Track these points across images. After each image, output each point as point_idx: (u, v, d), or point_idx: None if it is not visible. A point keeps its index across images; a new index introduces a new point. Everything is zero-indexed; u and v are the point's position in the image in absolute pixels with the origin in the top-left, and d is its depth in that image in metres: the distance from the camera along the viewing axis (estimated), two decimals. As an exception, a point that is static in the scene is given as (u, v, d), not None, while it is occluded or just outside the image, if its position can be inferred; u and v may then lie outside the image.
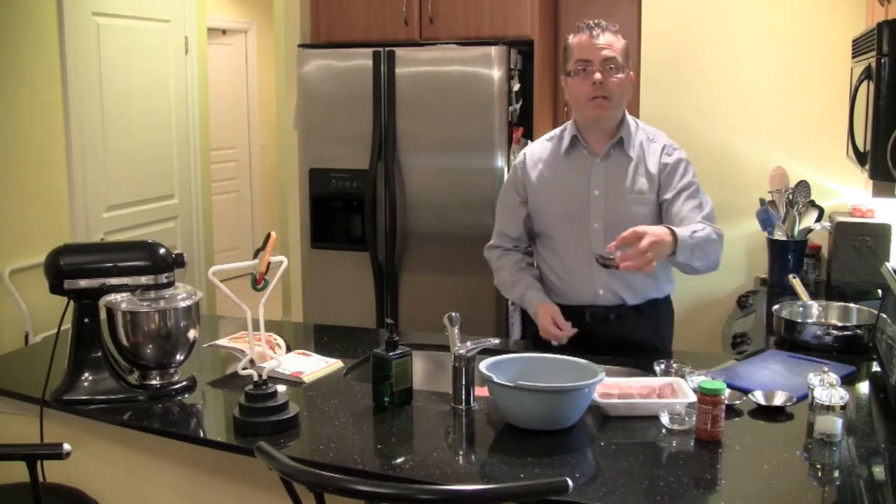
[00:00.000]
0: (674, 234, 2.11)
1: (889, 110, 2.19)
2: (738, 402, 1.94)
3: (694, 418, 1.79)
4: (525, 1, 3.54)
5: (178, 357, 2.16)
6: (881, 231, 3.12)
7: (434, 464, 1.71)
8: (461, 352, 1.96)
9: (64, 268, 2.06)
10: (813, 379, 1.84)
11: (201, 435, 1.96)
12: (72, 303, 2.10)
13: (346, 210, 3.71)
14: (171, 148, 4.73)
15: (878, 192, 2.52)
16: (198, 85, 4.93)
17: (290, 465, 1.40)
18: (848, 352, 2.33)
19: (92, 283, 2.07)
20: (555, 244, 2.46)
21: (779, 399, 1.94)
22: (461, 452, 1.82)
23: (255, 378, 1.90)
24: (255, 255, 1.95)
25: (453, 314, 2.02)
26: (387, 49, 3.56)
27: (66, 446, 1.76)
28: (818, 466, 1.69)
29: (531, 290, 2.45)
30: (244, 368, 1.94)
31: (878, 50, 2.20)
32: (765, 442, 1.78)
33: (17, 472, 1.78)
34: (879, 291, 2.75)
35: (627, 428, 1.85)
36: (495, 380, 1.82)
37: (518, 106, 3.55)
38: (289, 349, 2.40)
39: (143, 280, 2.10)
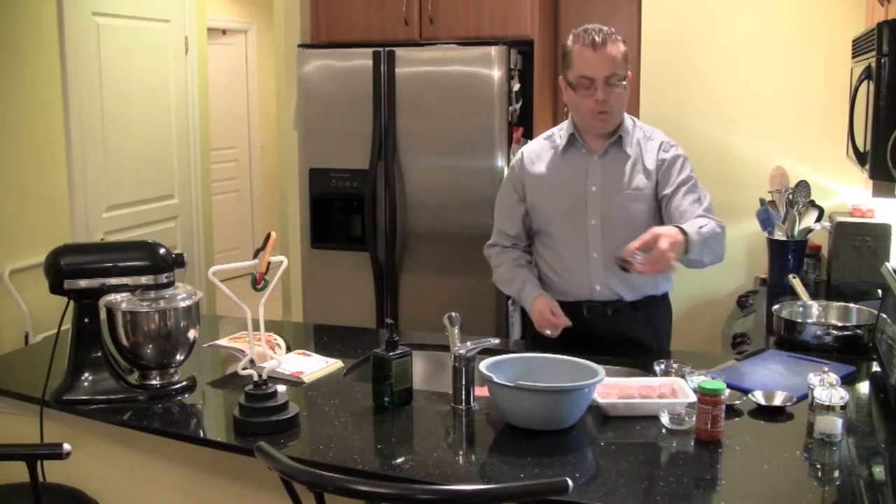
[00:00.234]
0: (684, 232, 2.11)
1: (889, 110, 2.19)
2: (738, 402, 1.94)
3: (694, 418, 1.79)
4: (525, 1, 3.54)
5: (178, 357, 2.16)
6: (881, 231, 3.12)
7: (434, 464, 1.71)
8: (461, 352, 1.96)
9: (64, 268, 2.06)
10: (813, 379, 1.84)
11: (201, 435, 1.96)
12: (72, 303, 2.10)
13: (346, 210, 3.71)
14: (171, 148, 4.73)
15: (878, 192, 2.52)
16: (198, 85, 4.93)
17: (290, 465, 1.40)
18: (848, 352, 2.33)
19: (92, 283, 2.07)
20: (552, 240, 2.47)
21: (779, 399, 1.94)
22: (461, 452, 1.82)
23: (255, 378, 1.90)
24: (255, 255, 1.95)
25: (453, 314, 2.02)
26: (387, 49, 3.56)
27: (66, 446, 1.76)
28: (818, 466, 1.69)
29: (528, 284, 2.46)
30: (244, 368, 1.94)
31: (878, 50, 2.20)
32: (765, 442, 1.78)
33: (17, 472, 1.78)
34: (879, 291, 2.75)
35: (627, 428, 1.85)
36: (495, 380, 1.82)
37: (518, 106, 3.55)
38: (289, 349, 2.40)
39: (143, 280, 2.10)
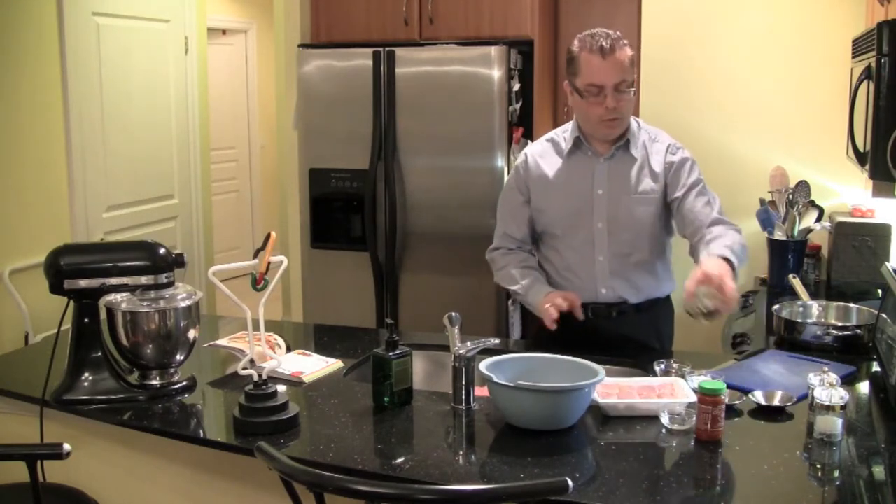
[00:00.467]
0: (728, 261, 2.08)
1: (889, 110, 2.19)
2: (738, 402, 1.94)
3: (694, 418, 1.79)
4: (525, 1, 3.54)
5: (178, 357, 2.16)
6: (881, 231, 3.12)
7: (434, 464, 1.71)
8: (461, 352, 1.96)
9: (64, 268, 2.06)
10: (813, 379, 1.84)
11: (201, 435, 1.96)
12: (72, 303, 2.10)
13: (346, 210, 3.71)
14: (171, 148, 4.73)
15: (878, 192, 2.52)
16: (198, 85, 4.93)
17: (290, 465, 1.40)
18: (848, 352, 2.33)
19: (92, 283, 2.07)
20: (557, 243, 2.45)
21: (779, 399, 1.94)
22: (461, 452, 1.82)
23: (255, 378, 1.90)
24: (255, 255, 1.95)
25: (453, 314, 2.02)
26: (387, 49, 3.56)
27: (66, 446, 1.75)
28: (818, 466, 1.69)
29: (539, 282, 2.43)
30: (244, 368, 1.94)
31: (878, 50, 2.20)
32: (765, 442, 1.78)
33: (17, 472, 1.78)
34: (879, 291, 2.75)
35: (627, 428, 1.85)
36: (495, 380, 1.82)
37: (518, 106, 3.55)
38: (289, 349, 2.40)
39: (143, 280, 2.10)
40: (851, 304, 2.59)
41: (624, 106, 2.30)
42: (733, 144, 3.52)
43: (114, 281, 2.08)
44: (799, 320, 2.53)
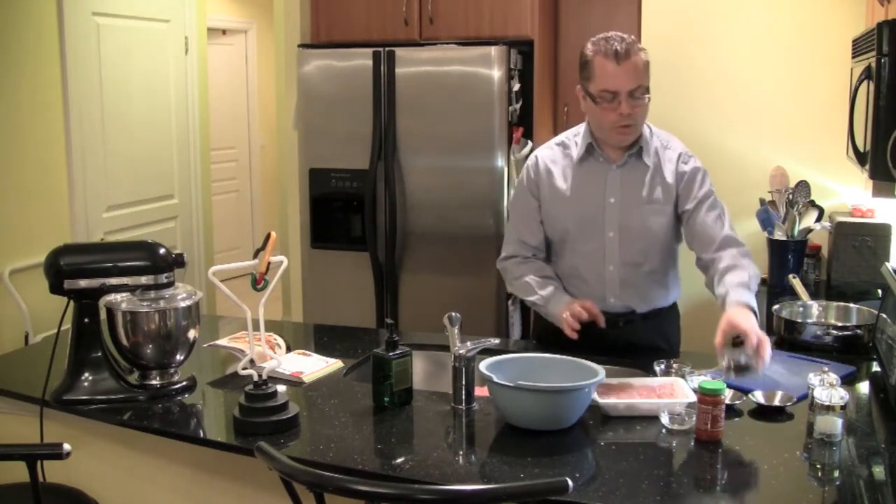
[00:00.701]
0: (748, 305, 2.05)
1: (889, 110, 2.19)
2: (738, 402, 1.94)
3: (694, 418, 1.79)
4: (525, 1, 3.54)
5: (178, 357, 2.16)
6: (881, 231, 3.12)
7: (434, 464, 1.71)
8: (461, 352, 1.96)
9: (64, 268, 2.06)
10: (813, 379, 1.84)
11: (201, 435, 1.96)
12: (72, 303, 2.10)
13: (346, 210, 3.71)
14: (171, 148, 4.73)
15: (878, 192, 2.52)
16: (198, 85, 4.93)
17: (290, 465, 1.40)
18: (848, 352, 2.33)
19: (92, 283, 2.07)
20: (567, 251, 2.40)
21: (779, 399, 1.94)
22: (461, 452, 1.82)
23: (255, 378, 1.90)
24: (255, 255, 1.95)
25: (453, 314, 2.02)
26: (387, 49, 3.56)
27: (66, 446, 1.75)
28: (818, 466, 1.69)
29: (559, 292, 2.36)
30: (244, 368, 1.94)
31: (878, 50, 2.20)
32: (765, 442, 1.78)
33: (17, 472, 1.78)
34: (879, 291, 2.75)
35: (627, 428, 1.85)
36: (495, 380, 1.82)
37: (518, 106, 3.55)
38: (289, 349, 2.40)
39: (143, 280, 2.10)
40: (851, 304, 2.59)
41: (638, 113, 2.24)
42: (733, 144, 3.52)
43: (114, 281, 2.08)
44: (799, 320, 2.53)
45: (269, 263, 1.93)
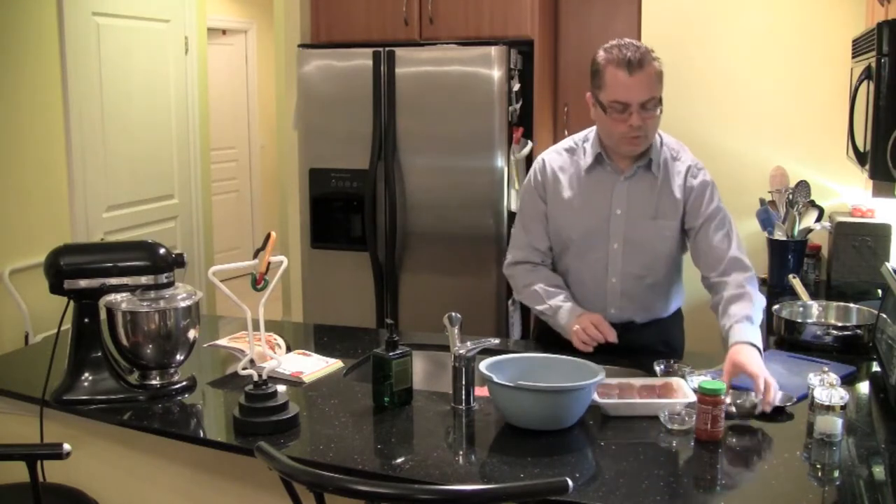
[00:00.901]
0: (754, 344, 2.02)
1: (889, 110, 2.19)
2: (738, 402, 1.94)
3: (694, 418, 1.79)
4: (525, 1, 3.54)
5: (178, 357, 2.15)
6: (881, 231, 3.12)
7: (434, 464, 1.71)
8: (461, 352, 1.96)
9: (64, 268, 2.06)
10: (813, 379, 1.84)
11: (201, 435, 1.96)
12: (72, 303, 2.10)
13: (346, 210, 3.71)
14: (171, 148, 4.73)
15: (878, 192, 2.52)
16: (198, 85, 4.93)
17: (290, 465, 1.40)
18: (848, 352, 2.33)
19: (92, 283, 2.07)
20: (570, 260, 2.38)
21: (779, 399, 1.93)
22: (461, 452, 1.82)
23: (255, 378, 1.90)
24: (255, 255, 1.95)
25: (453, 314, 2.02)
26: (387, 49, 3.56)
27: (66, 446, 1.75)
28: (818, 466, 1.69)
29: (568, 302, 2.32)
30: (244, 368, 1.94)
31: (878, 50, 2.20)
32: (765, 442, 1.79)
33: (17, 472, 1.78)
34: (879, 291, 2.75)
35: (627, 428, 1.85)
36: (495, 380, 1.82)
37: (518, 106, 3.55)
38: (289, 349, 2.40)
39: (143, 280, 2.10)
40: (851, 304, 2.59)
41: (650, 125, 2.18)
42: (733, 144, 3.52)
43: (114, 281, 2.08)
44: (799, 320, 2.53)
45: (269, 263, 1.94)
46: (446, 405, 1.99)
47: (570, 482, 1.32)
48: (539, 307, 2.36)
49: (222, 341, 2.40)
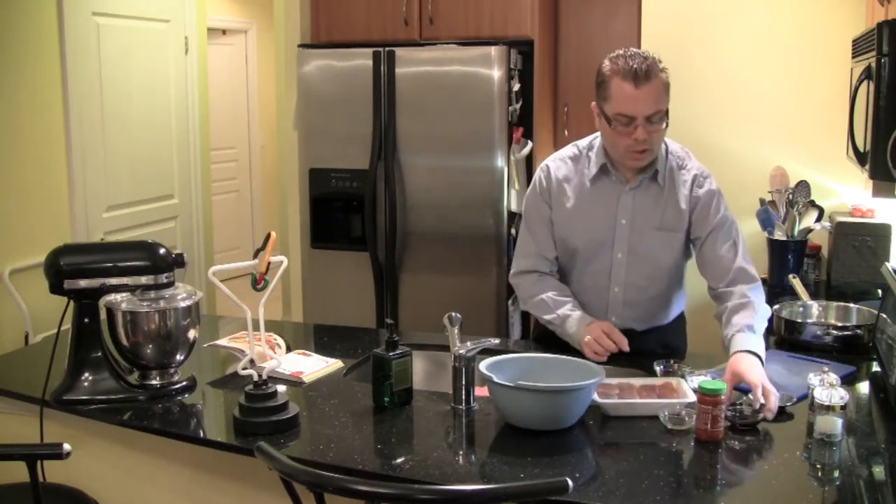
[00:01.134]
0: (755, 353, 2.00)
1: (889, 110, 2.19)
2: (738, 402, 1.94)
3: (694, 418, 1.79)
4: (525, 1, 3.54)
5: (178, 357, 2.15)
6: (881, 231, 3.12)
7: (434, 464, 1.71)
8: (461, 352, 1.96)
9: (64, 268, 2.06)
10: (813, 379, 1.84)
11: (201, 435, 1.96)
12: (72, 303, 2.10)
13: (346, 210, 3.71)
14: (171, 148, 4.73)
15: (878, 192, 2.52)
16: (198, 85, 4.93)
17: (290, 465, 1.40)
18: (848, 352, 2.33)
19: (92, 283, 2.07)
20: (572, 268, 2.37)
21: (779, 399, 1.93)
22: (461, 452, 1.82)
23: (255, 378, 1.90)
24: (255, 255, 1.95)
25: (453, 314, 2.02)
26: (387, 49, 3.56)
27: (66, 446, 1.75)
28: (818, 466, 1.69)
29: (576, 311, 2.28)
30: (244, 368, 1.94)
31: (878, 50, 2.20)
32: (765, 442, 1.79)
33: (17, 472, 1.78)
34: (879, 291, 2.75)
35: (627, 428, 1.85)
36: (495, 380, 1.82)
37: (518, 106, 3.55)
38: (289, 349, 2.40)
39: (143, 280, 2.10)
40: (851, 304, 2.59)
41: (655, 137, 2.14)
42: (733, 144, 3.52)
43: (114, 281, 2.08)
44: (799, 320, 2.53)
45: (269, 263, 1.94)
46: (446, 405, 1.99)
47: (570, 482, 1.32)
48: (547, 316, 2.33)
49: (222, 341, 2.40)
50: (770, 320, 2.60)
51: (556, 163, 2.37)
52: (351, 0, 3.77)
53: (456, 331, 2.00)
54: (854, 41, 2.78)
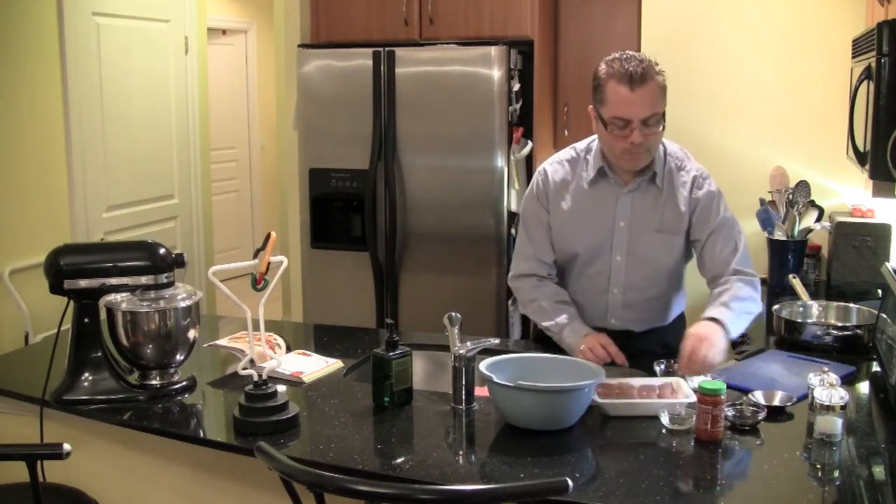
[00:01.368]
0: (720, 322, 2.03)
1: (889, 110, 2.19)
2: (738, 402, 1.94)
3: (694, 418, 1.79)
4: (525, 1, 3.54)
5: (178, 357, 2.16)
6: (881, 231, 3.12)
7: (434, 464, 1.71)
8: (461, 352, 1.96)
9: (64, 268, 2.06)
10: (813, 379, 1.84)
11: (201, 435, 1.96)
12: (72, 303, 2.10)
13: (346, 210, 3.71)
14: (171, 148, 4.73)
15: (878, 192, 2.52)
16: (198, 85, 4.93)
17: (290, 465, 1.40)
18: (848, 352, 2.33)
19: (92, 283, 2.07)
20: (571, 270, 2.36)
21: (779, 399, 1.93)
22: (461, 452, 1.82)
23: (255, 378, 1.90)
24: (255, 255, 1.95)
25: (453, 314, 2.02)
26: (387, 49, 3.56)
27: (66, 446, 1.76)
28: (818, 466, 1.69)
29: (574, 320, 2.27)
30: (244, 368, 1.94)
31: (878, 50, 2.19)
32: (765, 442, 1.79)
33: (17, 472, 1.79)
34: (879, 291, 2.75)
35: (627, 428, 1.85)
36: (495, 380, 1.82)
37: (518, 106, 3.55)
38: (289, 349, 2.40)
39: (143, 280, 2.10)
40: (851, 304, 2.59)
41: (651, 140, 2.14)
42: (733, 144, 3.52)
43: (114, 281, 2.08)
44: (799, 320, 2.53)
45: (269, 263, 1.94)
46: (446, 405, 1.99)
47: (570, 482, 1.32)
48: (545, 323, 2.32)
49: (222, 341, 2.40)
50: (770, 320, 2.61)
51: (553, 166, 2.36)
52: (351, 0, 3.77)
53: (456, 331, 2.00)
54: (854, 41, 2.78)
